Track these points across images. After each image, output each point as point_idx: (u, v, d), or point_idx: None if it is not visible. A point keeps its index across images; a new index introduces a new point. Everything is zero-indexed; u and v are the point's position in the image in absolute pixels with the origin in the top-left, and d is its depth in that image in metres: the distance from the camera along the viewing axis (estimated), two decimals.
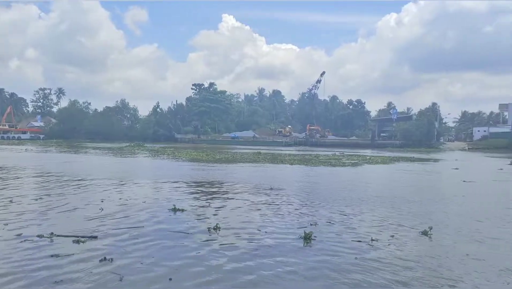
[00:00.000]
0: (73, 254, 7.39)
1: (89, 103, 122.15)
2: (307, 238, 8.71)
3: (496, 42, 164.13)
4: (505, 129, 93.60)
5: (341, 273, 6.83)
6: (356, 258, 7.60)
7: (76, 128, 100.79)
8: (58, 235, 8.55)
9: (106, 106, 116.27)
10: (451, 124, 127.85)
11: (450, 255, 8.01)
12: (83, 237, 8.39)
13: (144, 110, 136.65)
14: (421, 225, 10.33)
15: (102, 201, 12.91)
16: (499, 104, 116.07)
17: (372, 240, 8.87)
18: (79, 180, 18.56)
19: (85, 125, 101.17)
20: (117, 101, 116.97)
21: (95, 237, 8.43)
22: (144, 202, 12.99)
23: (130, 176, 20.46)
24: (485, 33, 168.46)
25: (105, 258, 7.08)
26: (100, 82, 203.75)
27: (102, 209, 11.56)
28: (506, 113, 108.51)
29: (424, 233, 9.43)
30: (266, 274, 6.74)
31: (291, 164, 32.41)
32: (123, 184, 17.54)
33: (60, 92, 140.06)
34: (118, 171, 24.28)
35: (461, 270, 7.11)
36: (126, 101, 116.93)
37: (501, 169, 31.38)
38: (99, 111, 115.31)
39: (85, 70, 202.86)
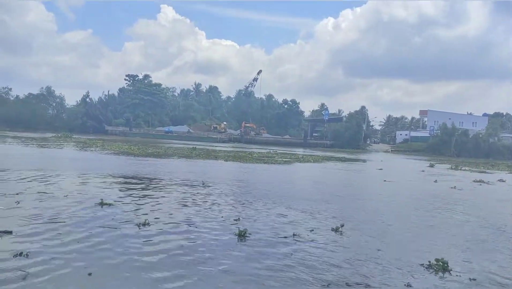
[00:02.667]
0: None
1: (10, 89, 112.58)
2: (241, 235, 8.84)
3: (422, 52, 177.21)
4: (424, 133, 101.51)
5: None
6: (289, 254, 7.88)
7: None
8: None
9: (29, 93, 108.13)
10: (378, 127, 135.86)
11: (357, 250, 8.59)
12: None
13: (71, 99, 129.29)
14: (338, 221, 10.96)
15: (17, 194, 12.02)
16: (420, 110, 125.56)
17: (294, 235, 9.27)
18: None
19: (4, 112, 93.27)
20: (42, 88, 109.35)
21: (10, 232, 7.89)
22: (66, 196, 12.32)
23: (54, 168, 19.26)
24: (413, 43, 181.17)
25: (20, 254, 6.67)
26: (24, 66, 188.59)
27: (19, 202, 10.81)
28: (425, 119, 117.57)
29: (336, 229, 9.93)
30: (199, 270, 6.74)
31: (225, 160, 32.55)
32: (45, 176, 16.47)
33: None
34: (40, 162, 22.75)
35: (369, 265, 7.68)
36: (52, 88, 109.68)
37: (423, 171, 34.03)
38: (21, 98, 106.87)
39: (8, 52, 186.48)
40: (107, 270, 6.44)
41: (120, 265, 6.69)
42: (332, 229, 9.93)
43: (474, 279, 7.01)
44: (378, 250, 8.51)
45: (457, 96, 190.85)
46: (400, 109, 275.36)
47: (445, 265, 7.39)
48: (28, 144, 39.13)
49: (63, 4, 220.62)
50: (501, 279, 7.16)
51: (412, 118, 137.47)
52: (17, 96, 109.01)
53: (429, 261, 7.57)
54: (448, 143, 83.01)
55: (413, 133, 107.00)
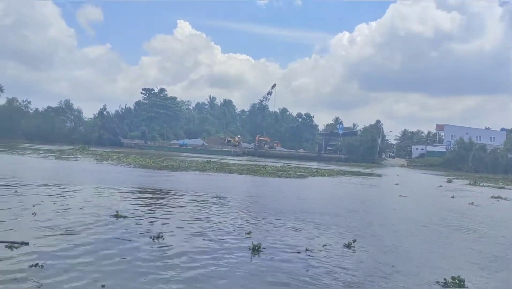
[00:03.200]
0: (1, 260, 7.01)
1: (29, 102, 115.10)
2: (255, 249, 8.80)
3: (439, 66, 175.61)
4: (441, 148, 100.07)
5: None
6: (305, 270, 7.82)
7: (13, 127, 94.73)
8: None
9: (48, 106, 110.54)
10: (393, 141, 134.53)
11: (371, 266, 8.46)
12: (13, 242, 7.96)
13: (88, 112, 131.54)
14: (351, 236, 10.84)
15: (33, 206, 12.20)
16: (436, 125, 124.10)
17: (306, 250, 9.21)
18: (13, 182, 17.46)
19: (23, 125, 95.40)
20: (60, 101, 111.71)
21: (27, 243, 8.02)
22: (82, 208, 12.48)
23: (70, 180, 19.57)
24: (430, 58, 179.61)
25: (36, 265, 6.77)
26: (44, 80, 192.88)
27: (35, 214, 10.99)
28: (442, 133, 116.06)
29: (348, 245, 9.78)
30: (214, 285, 6.70)
31: (239, 173, 32.58)
32: (62, 188, 16.73)
33: None
34: (57, 174, 23.14)
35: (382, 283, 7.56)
36: (70, 102, 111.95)
37: (440, 186, 33.44)
38: (40, 111, 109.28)
39: (29, 67, 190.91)
40: (121, 283, 6.48)
41: (134, 278, 6.72)
42: (345, 245, 9.82)
43: None
44: (392, 266, 8.38)
45: (474, 110, 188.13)
46: (416, 123, 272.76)
47: (462, 283, 7.23)
48: (46, 156, 39.86)
49: (84, 19, 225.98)
50: None
51: (429, 132, 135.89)
52: (37, 109, 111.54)
53: (445, 279, 7.41)
54: (466, 158, 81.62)
55: (430, 148, 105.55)
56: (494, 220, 16.05)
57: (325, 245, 9.77)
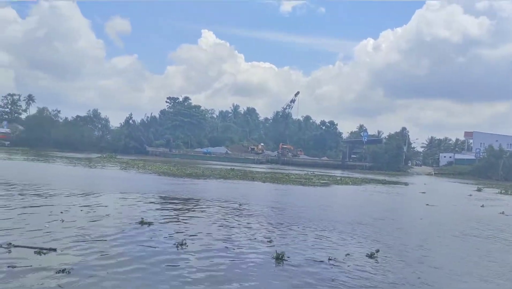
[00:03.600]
0: (30, 265, 7.23)
1: (59, 111, 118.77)
2: (278, 258, 8.75)
3: (466, 72, 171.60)
4: (470, 156, 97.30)
5: None
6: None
7: (44, 136, 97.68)
8: (16, 246, 8.34)
9: (77, 115, 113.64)
10: (419, 149, 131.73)
11: (396, 277, 8.27)
12: (41, 248, 8.21)
13: (115, 121, 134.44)
14: (375, 245, 10.65)
15: (61, 212, 12.56)
16: (465, 132, 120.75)
17: (329, 259, 9.12)
18: (43, 190, 18.01)
19: (53, 133, 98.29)
20: (89, 110, 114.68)
21: (54, 250, 8.26)
22: (108, 214, 12.76)
23: (97, 188, 20.06)
24: (457, 63, 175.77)
25: (63, 270, 6.96)
26: (73, 90, 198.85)
27: (63, 221, 11.30)
28: (470, 141, 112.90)
29: (370, 255, 9.60)
30: None
31: (263, 181, 32.59)
32: (89, 195, 17.16)
33: (30, 98, 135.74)
34: (84, 182, 23.74)
35: None
36: (98, 111, 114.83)
37: (470, 195, 32.47)
38: (69, 120, 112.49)
39: (59, 77, 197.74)
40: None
41: (155, 285, 6.80)
42: (367, 255, 9.65)
43: None
44: (418, 278, 8.18)
45: (504, 116, 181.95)
46: (443, 130, 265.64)
47: None
48: (75, 165, 40.95)
49: (112, 31, 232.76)
50: None
51: (457, 140, 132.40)
52: (66, 118, 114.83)
53: None
54: (496, 166, 79.10)
55: (458, 156, 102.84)
56: None
57: (348, 254, 9.66)
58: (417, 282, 7.89)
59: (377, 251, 9.77)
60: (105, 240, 9.48)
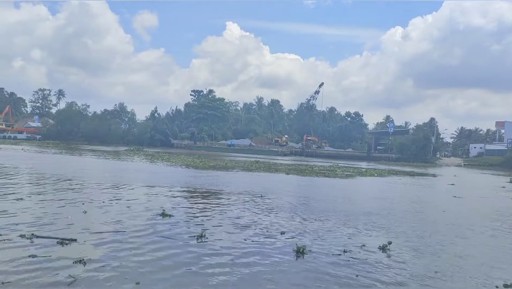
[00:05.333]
0: (50, 255, 7.42)
1: (88, 106, 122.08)
2: (299, 251, 8.64)
3: (502, 60, 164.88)
4: (501, 146, 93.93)
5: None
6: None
7: (73, 130, 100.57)
8: (38, 236, 8.57)
9: (105, 109, 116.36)
10: (449, 140, 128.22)
11: (413, 271, 8.04)
12: (63, 239, 8.41)
13: (141, 115, 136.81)
14: (396, 238, 10.44)
15: (83, 204, 12.86)
16: (496, 122, 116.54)
17: (344, 251, 9.00)
18: (71, 182, 18.52)
19: (82, 127, 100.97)
20: (115, 104, 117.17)
21: (75, 240, 8.45)
22: (129, 206, 12.97)
23: (121, 179, 20.45)
24: (492, 51, 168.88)
25: (80, 261, 7.11)
26: (102, 85, 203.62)
27: (86, 212, 11.56)
28: (502, 131, 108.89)
29: (383, 248, 9.40)
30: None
31: (286, 173, 32.47)
32: (113, 187, 17.54)
33: (60, 93, 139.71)
34: (109, 174, 24.23)
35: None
36: (124, 104, 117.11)
37: (503, 187, 31.28)
38: (97, 114, 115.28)
39: (89, 72, 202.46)
40: (157, 281, 6.60)
41: (171, 278, 6.82)
42: (379, 248, 9.41)
43: None
44: (436, 272, 7.93)
45: None
46: (475, 120, 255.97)
47: None
48: (102, 157, 41.95)
49: (140, 25, 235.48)
50: None
51: (488, 130, 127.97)
52: (95, 112, 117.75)
53: (497, 287, 6.91)
54: None
55: (489, 146, 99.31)
56: None
57: (364, 245, 9.55)
58: (434, 275, 7.64)
59: (390, 243, 9.55)
60: (124, 231, 9.64)
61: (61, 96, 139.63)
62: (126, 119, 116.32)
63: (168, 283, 6.57)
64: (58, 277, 6.44)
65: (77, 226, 9.83)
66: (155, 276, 6.77)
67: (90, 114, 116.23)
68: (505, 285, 6.85)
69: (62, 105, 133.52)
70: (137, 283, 6.35)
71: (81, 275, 6.54)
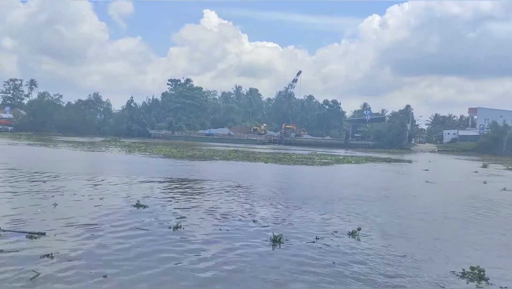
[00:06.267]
0: (17, 250, 7.21)
1: (61, 96, 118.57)
2: (276, 240, 8.61)
3: (478, 48, 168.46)
4: (474, 132, 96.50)
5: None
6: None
7: (47, 121, 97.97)
8: (6, 230, 8.32)
9: (79, 99, 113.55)
10: (424, 127, 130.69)
11: (384, 255, 8.20)
12: (31, 233, 8.18)
13: (118, 104, 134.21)
14: (365, 224, 10.65)
15: (53, 196, 12.54)
16: (469, 108, 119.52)
17: (316, 238, 9.09)
18: (43, 174, 18.00)
19: (56, 118, 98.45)
20: (89, 95, 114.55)
21: (44, 234, 8.23)
22: (102, 198, 12.73)
23: (96, 171, 20.06)
24: (468, 39, 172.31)
25: (47, 255, 6.93)
26: (77, 74, 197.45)
27: (56, 205, 11.27)
28: (475, 117, 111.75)
29: (352, 233, 9.51)
30: (233, 277, 6.60)
31: (265, 162, 32.52)
32: (87, 178, 17.15)
33: (32, 83, 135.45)
34: (84, 165, 23.76)
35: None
36: (99, 94, 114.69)
37: (476, 172, 32.16)
38: (71, 104, 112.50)
39: (63, 62, 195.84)
40: (126, 272, 6.47)
41: (140, 270, 6.70)
42: (349, 233, 9.54)
43: (506, 288, 6.51)
44: (403, 256, 8.08)
45: None
46: (451, 107, 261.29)
47: (482, 273, 6.88)
48: (77, 149, 41.04)
49: (115, 13, 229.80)
50: None
51: (461, 116, 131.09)
52: (69, 102, 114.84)
53: (463, 269, 7.08)
54: (500, 142, 78.38)
55: (462, 132, 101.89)
56: None
57: (336, 232, 9.68)
58: (402, 260, 7.80)
59: (359, 229, 9.70)
60: (96, 224, 9.44)
61: (33, 86, 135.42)
62: (102, 109, 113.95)
63: (136, 274, 6.46)
64: (22, 272, 6.25)
65: (47, 219, 9.58)
66: (124, 268, 6.63)
67: (64, 105, 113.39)
68: (472, 268, 7.03)
69: (34, 95, 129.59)
70: (105, 276, 6.21)
71: (47, 269, 6.36)
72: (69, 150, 39.10)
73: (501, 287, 6.60)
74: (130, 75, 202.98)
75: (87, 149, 41.32)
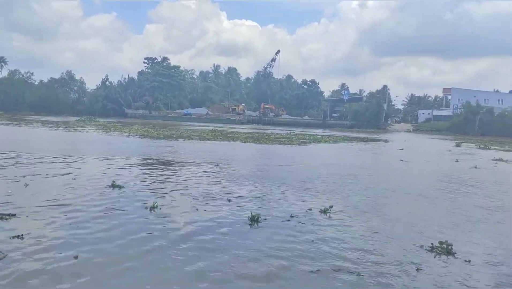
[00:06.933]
0: None
1: (32, 73, 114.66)
2: (253, 220, 8.63)
3: (454, 28, 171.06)
4: (447, 112, 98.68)
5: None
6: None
7: (18, 100, 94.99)
8: None
9: (51, 78, 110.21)
10: (400, 107, 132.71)
11: (356, 233, 8.40)
12: (1, 214, 7.98)
13: (93, 83, 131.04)
14: (338, 202, 10.87)
15: (24, 177, 12.22)
16: (443, 88, 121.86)
17: (291, 216, 9.21)
18: (14, 155, 17.48)
19: (28, 97, 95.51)
20: (62, 73, 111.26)
21: (14, 215, 8.04)
22: (75, 178, 12.49)
23: (69, 151, 19.57)
24: (445, 20, 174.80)
25: (18, 236, 6.78)
26: (49, 52, 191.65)
27: (27, 185, 11.00)
28: (449, 97, 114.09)
29: (324, 211, 9.66)
30: (209, 256, 6.59)
31: (244, 142, 32.53)
32: (60, 159, 16.74)
33: (2, 61, 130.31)
34: (58, 146, 23.19)
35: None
36: (72, 72, 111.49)
37: (449, 151, 33.09)
38: (44, 82, 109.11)
39: (35, 38, 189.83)
40: (98, 252, 6.39)
41: (113, 248, 6.64)
42: (320, 211, 9.66)
43: (469, 261, 6.80)
44: (375, 232, 8.29)
45: (487, 73, 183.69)
46: (427, 88, 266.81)
47: (450, 247, 7.14)
48: (50, 128, 40.00)
49: None
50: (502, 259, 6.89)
51: (436, 96, 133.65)
52: (41, 80, 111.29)
53: (432, 244, 7.32)
54: (472, 122, 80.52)
55: (436, 112, 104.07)
56: (493, 184, 15.89)
57: (310, 209, 9.82)
58: (374, 236, 8.01)
59: (331, 207, 9.84)
60: (69, 204, 9.25)
61: (2, 63, 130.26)
62: (75, 88, 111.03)
63: (109, 254, 6.38)
64: None
65: (17, 200, 9.32)
66: (97, 249, 6.54)
67: (36, 83, 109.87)
68: (440, 242, 7.27)
69: (4, 73, 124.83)
70: (75, 257, 6.11)
71: (15, 251, 6.22)
72: (42, 129, 38.07)
73: (465, 260, 6.85)
74: (105, 53, 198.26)
75: (62, 128, 40.33)
